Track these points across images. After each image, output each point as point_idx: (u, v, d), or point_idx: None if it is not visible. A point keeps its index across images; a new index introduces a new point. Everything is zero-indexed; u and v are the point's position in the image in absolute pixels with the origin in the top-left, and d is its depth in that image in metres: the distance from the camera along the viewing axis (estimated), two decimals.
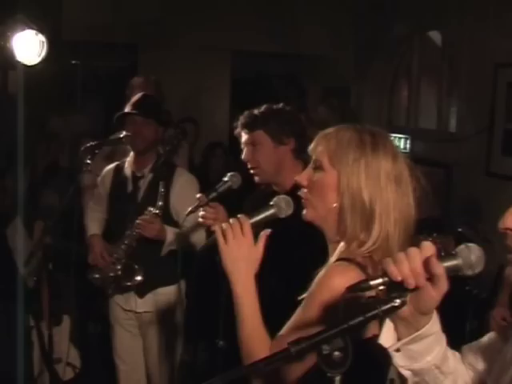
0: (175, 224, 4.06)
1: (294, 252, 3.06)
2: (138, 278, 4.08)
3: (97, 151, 3.94)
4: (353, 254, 2.09)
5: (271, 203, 2.27)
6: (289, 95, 7.90)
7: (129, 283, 4.11)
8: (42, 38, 4.30)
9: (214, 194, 3.34)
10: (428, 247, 1.48)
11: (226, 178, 3.35)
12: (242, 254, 2.16)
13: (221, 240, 2.16)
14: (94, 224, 4.35)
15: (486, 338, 1.86)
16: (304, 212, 2.23)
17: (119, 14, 7.25)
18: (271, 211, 2.25)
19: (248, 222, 2.18)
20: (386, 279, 1.47)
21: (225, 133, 7.41)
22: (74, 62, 7.56)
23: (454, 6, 6.55)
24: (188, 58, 7.47)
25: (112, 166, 4.34)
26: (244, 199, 3.64)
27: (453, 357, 1.70)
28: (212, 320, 2.59)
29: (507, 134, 5.92)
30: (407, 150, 7.13)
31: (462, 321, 4.48)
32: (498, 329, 4.01)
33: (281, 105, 3.49)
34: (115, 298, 4.29)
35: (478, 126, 6.20)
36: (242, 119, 3.44)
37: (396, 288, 1.48)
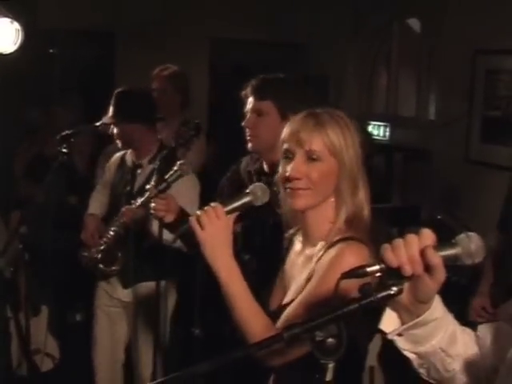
0: None
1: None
2: (114, 267, 4.05)
3: (73, 139, 3.92)
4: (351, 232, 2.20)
5: (247, 191, 2.26)
6: None
7: (103, 267, 4.06)
8: (17, 26, 4.25)
9: (164, 185, 3.28)
10: (427, 235, 1.47)
11: (175, 167, 3.29)
12: (220, 238, 2.16)
13: (197, 227, 2.15)
14: (94, 204, 4.35)
15: (499, 323, 1.83)
16: (299, 201, 2.24)
17: (96, 2, 7.19)
18: (247, 199, 2.24)
19: (221, 206, 2.17)
20: (383, 266, 1.46)
21: (203, 121, 7.37)
22: (51, 50, 7.48)
23: None
24: (166, 46, 7.41)
25: (120, 153, 4.33)
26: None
27: (463, 339, 1.68)
28: (188, 309, 2.58)
29: (486, 120, 5.92)
30: (387, 138, 7.14)
31: None
32: (477, 318, 4.02)
33: (294, 77, 3.38)
34: (103, 285, 4.26)
35: (457, 113, 6.20)
36: (253, 82, 3.27)
37: (393, 275, 1.46)
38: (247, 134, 3.29)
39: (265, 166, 3.32)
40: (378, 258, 1.47)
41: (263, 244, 3.13)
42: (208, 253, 2.15)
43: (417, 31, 7.40)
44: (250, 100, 3.28)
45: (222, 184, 3.58)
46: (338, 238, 2.19)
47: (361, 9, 7.60)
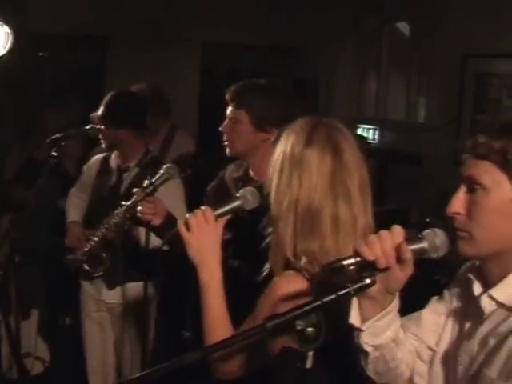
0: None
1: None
2: (100, 268, 4.01)
3: (63, 143, 3.92)
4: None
5: (237, 195, 2.26)
6: None
7: (88, 268, 4.04)
8: (7, 29, 4.26)
9: (151, 188, 3.28)
10: (398, 232, 1.62)
11: (162, 171, 3.29)
12: (207, 241, 2.15)
13: (183, 230, 2.15)
14: (74, 210, 4.31)
15: (427, 310, 1.98)
16: None
17: (88, 5, 7.19)
18: (237, 203, 2.24)
19: (210, 210, 2.17)
20: (358, 259, 1.59)
21: (194, 126, 7.38)
22: (41, 53, 7.47)
23: None
24: (158, 49, 7.42)
25: (100, 156, 4.30)
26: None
27: (400, 329, 1.82)
28: (179, 312, 2.59)
29: (475, 124, 5.96)
30: (376, 141, 7.16)
31: None
32: None
33: (282, 86, 3.37)
34: (88, 289, 4.25)
35: (446, 116, 6.23)
36: (233, 88, 3.27)
37: (367, 268, 1.59)
38: (224, 138, 3.33)
39: (251, 172, 3.34)
40: (353, 253, 1.60)
41: (253, 250, 3.13)
42: (193, 255, 2.15)
43: (406, 35, 7.43)
44: (229, 106, 3.30)
45: (208, 192, 3.58)
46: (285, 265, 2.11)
47: (351, 13, 7.63)
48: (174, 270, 3.84)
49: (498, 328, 1.69)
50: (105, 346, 4.31)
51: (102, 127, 4.03)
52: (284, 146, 2.10)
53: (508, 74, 5.73)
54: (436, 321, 1.93)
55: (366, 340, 1.70)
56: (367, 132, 7.22)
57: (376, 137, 7.19)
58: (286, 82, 8.12)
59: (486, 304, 1.73)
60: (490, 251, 1.71)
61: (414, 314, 1.98)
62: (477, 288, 1.77)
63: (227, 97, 3.29)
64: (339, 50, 7.87)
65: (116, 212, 3.89)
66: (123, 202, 3.83)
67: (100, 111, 4.06)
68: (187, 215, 2.17)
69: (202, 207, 2.18)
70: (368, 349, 1.71)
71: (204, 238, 2.14)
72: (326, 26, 7.82)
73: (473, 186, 1.72)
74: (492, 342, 1.70)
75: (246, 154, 3.30)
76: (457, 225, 1.72)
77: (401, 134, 7.03)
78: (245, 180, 3.31)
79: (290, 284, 1.99)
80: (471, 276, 1.80)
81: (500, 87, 5.74)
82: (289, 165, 2.07)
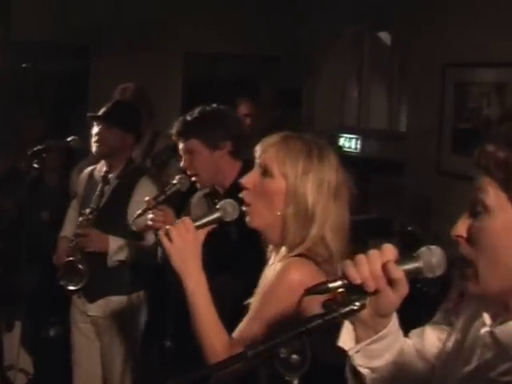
0: (132, 234, 4.02)
1: (234, 254, 3.10)
2: (76, 282, 4.00)
3: (44, 155, 3.92)
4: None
5: (217, 207, 2.28)
6: (242, 98, 7.91)
7: (64, 283, 4.03)
8: None
9: (162, 197, 3.35)
10: (389, 250, 1.47)
11: (174, 181, 3.38)
12: (189, 250, 2.18)
13: (165, 241, 2.17)
14: (67, 225, 4.34)
15: (432, 325, 1.81)
16: (248, 219, 2.27)
17: (70, 15, 7.18)
18: (217, 215, 2.26)
19: (189, 220, 2.20)
20: (346, 282, 1.45)
21: None
22: (24, 65, 7.45)
23: (404, 6, 6.62)
24: (140, 60, 7.42)
25: (89, 169, 4.34)
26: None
27: (407, 348, 1.69)
28: (160, 322, 2.60)
29: (456, 132, 6.00)
30: (358, 150, 7.18)
31: (414, 318, 4.52)
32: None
33: (214, 106, 3.49)
34: (75, 300, 4.25)
35: (428, 125, 6.27)
36: (175, 127, 3.43)
37: (355, 291, 1.46)
38: (189, 174, 3.44)
39: (219, 189, 3.43)
40: (340, 274, 1.46)
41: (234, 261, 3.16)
42: (177, 265, 2.17)
43: (388, 44, 7.47)
44: (179, 143, 3.45)
45: None
46: (290, 254, 2.21)
47: (334, 22, 7.65)
48: (154, 281, 3.87)
49: (491, 368, 1.50)
50: (92, 356, 4.29)
51: (102, 128, 4.05)
52: (322, 175, 2.23)
53: (487, 83, 5.78)
54: (440, 337, 1.74)
55: (359, 362, 1.56)
56: (349, 141, 7.24)
57: (358, 146, 7.21)
58: (269, 91, 8.15)
59: (487, 340, 1.54)
60: (496, 289, 1.49)
61: (417, 330, 1.80)
62: (485, 318, 1.56)
63: (174, 137, 3.46)
64: (322, 59, 7.89)
65: (79, 221, 3.94)
66: (82, 211, 3.91)
67: (106, 111, 4.08)
68: (167, 227, 2.19)
69: (182, 218, 2.21)
70: (363, 371, 1.58)
71: (186, 247, 2.17)
72: (307, 35, 7.85)
73: (476, 207, 1.51)
74: (481, 381, 1.53)
75: (215, 180, 3.44)
76: (461, 250, 1.52)
77: (383, 143, 7.06)
78: (212, 196, 3.43)
79: (303, 269, 2.12)
80: (481, 304, 1.59)
81: (480, 96, 5.80)
82: (332, 193, 2.23)
